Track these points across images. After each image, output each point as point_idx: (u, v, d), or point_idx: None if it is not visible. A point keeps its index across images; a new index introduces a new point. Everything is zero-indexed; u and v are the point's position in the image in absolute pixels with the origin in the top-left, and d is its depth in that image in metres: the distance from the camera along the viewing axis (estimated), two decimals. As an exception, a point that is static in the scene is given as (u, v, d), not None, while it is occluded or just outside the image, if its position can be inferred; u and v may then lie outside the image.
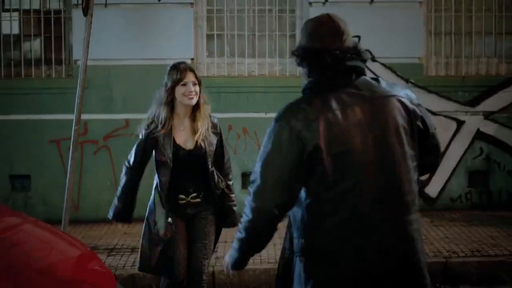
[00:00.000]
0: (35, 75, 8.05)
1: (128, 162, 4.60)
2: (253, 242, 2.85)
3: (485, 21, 8.23)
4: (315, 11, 7.89)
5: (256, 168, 2.76)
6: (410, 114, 2.87)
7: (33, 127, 7.96)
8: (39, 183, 8.02)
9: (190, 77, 4.45)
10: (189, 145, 4.49)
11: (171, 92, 4.42)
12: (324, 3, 7.92)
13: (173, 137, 4.46)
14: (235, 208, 4.71)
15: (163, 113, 4.42)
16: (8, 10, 8.11)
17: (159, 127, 4.42)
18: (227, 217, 4.70)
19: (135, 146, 4.59)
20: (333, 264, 2.73)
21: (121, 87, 7.97)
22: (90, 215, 7.85)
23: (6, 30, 8.13)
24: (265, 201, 2.71)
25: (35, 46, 8.19)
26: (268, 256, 6.34)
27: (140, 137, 4.56)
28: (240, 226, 2.81)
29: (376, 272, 2.73)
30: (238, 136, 8.10)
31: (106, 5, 7.84)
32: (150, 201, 4.67)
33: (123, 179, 4.66)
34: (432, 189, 8.19)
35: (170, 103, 4.44)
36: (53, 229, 3.37)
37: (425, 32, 8.16)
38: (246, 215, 2.77)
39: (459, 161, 8.18)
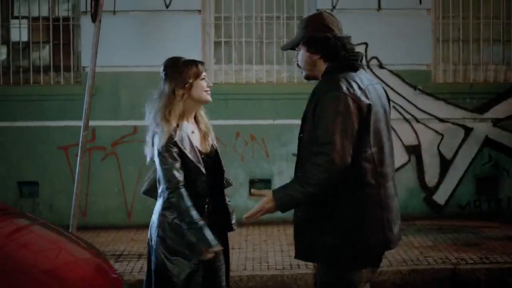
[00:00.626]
0: (43, 82, 8.09)
1: (176, 179, 3.77)
2: (319, 194, 3.27)
3: (493, 28, 8.22)
4: (323, 18, 7.90)
5: (325, 133, 3.21)
6: (388, 99, 3.58)
7: (41, 133, 7.99)
8: (47, 189, 8.05)
9: (204, 71, 3.99)
10: (204, 149, 3.95)
11: (189, 88, 3.86)
12: (332, 10, 7.91)
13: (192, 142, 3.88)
14: (232, 209, 4.14)
15: (178, 113, 3.83)
16: (17, 17, 8.16)
17: (182, 133, 3.81)
18: (229, 221, 4.10)
19: (169, 158, 3.77)
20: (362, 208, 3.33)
21: (129, 94, 7.99)
22: (98, 221, 7.87)
23: (15, 37, 8.17)
24: (341, 160, 3.18)
25: (43, 53, 8.23)
26: (276, 263, 6.35)
27: (173, 149, 3.76)
28: (306, 182, 3.22)
29: (386, 210, 3.38)
30: (246, 143, 8.10)
31: (114, 12, 7.88)
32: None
33: (187, 202, 3.76)
34: (440, 197, 8.16)
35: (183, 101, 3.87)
36: (63, 231, 3.38)
37: (433, 39, 8.15)
38: (317, 174, 3.19)
39: (467, 168, 8.15)
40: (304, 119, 3.43)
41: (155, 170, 3.99)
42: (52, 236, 3.23)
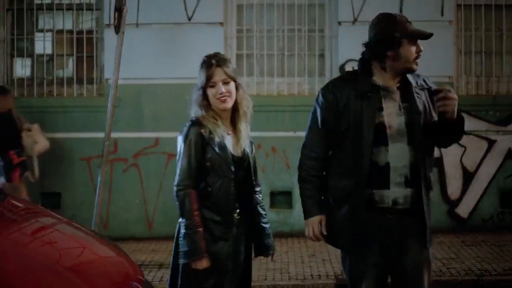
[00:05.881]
0: (67, 94, 8.17)
1: (184, 181, 3.60)
2: None
3: (515, 40, 8.20)
4: (344, 31, 7.92)
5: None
6: None
7: (64, 145, 8.05)
8: (69, 201, 8.10)
9: (219, 75, 3.67)
10: (237, 152, 3.71)
11: (203, 93, 3.67)
12: (353, 23, 7.94)
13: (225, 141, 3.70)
14: (269, 231, 3.85)
15: (211, 112, 3.68)
16: (41, 31, 8.27)
17: (215, 128, 3.65)
18: (262, 242, 3.82)
19: (183, 157, 3.61)
20: None
21: (151, 106, 8.05)
22: (119, 233, 7.88)
23: (39, 50, 8.28)
24: None
25: (67, 65, 8.32)
26: (297, 273, 6.32)
27: (189, 143, 3.60)
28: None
29: None
30: (267, 155, 8.11)
31: (137, 25, 7.95)
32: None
33: (190, 206, 3.57)
34: (463, 210, 8.10)
35: (209, 104, 3.69)
36: (87, 230, 3.40)
37: (455, 51, 8.13)
38: None
39: (491, 181, 8.08)
40: (422, 111, 3.59)
41: None
42: (76, 234, 3.26)
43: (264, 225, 3.82)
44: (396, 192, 3.52)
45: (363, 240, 3.52)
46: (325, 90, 3.66)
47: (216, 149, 3.60)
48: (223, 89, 3.65)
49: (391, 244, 3.56)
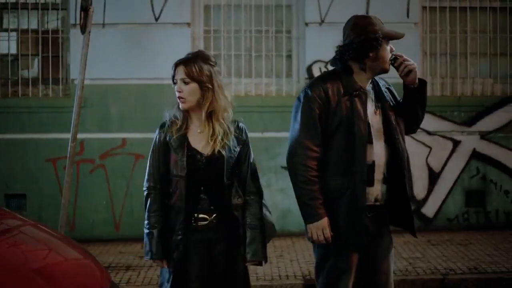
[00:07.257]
0: (32, 94, 8.07)
1: (146, 183, 3.73)
2: None
3: (479, 42, 8.30)
4: (311, 32, 7.96)
5: None
6: None
7: (30, 146, 7.96)
8: (35, 202, 8.00)
9: (178, 74, 3.65)
10: (206, 150, 3.64)
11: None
12: (320, 24, 7.98)
13: (188, 140, 3.67)
14: (250, 239, 3.65)
15: (177, 113, 3.70)
16: (6, 30, 8.16)
17: (173, 128, 3.67)
18: (247, 247, 3.65)
19: (149, 159, 3.74)
20: None
21: (118, 106, 7.99)
22: (86, 234, 7.82)
23: (3, 50, 8.16)
24: None
25: (32, 65, 8.22)
26: (265, 274, 6.33)
27: (152, 146, 3.72)
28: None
29: None
30: (235, 156, 8.09)
31: (104, 25, 7.90)
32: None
33: (148, 207, 3.70)
34: (429, 209, 8.19)
35: None
36: (53, 232, 3.37)
37: (421, 52, 8.22)
38: None
39: (456, 181, 8.19)
40: (392, 108, 3.72)
41: None
42: (42, 236, 3.22)
43: (250, 230, 3.65)
44: (377, 190, 3.64)
45: (364, 233, 3.61)
46: (313, 87, 3.67)
47: (173, 148, 3.65)
48: (181, 87, 3.64)
49: (371, 239, 3.67)
